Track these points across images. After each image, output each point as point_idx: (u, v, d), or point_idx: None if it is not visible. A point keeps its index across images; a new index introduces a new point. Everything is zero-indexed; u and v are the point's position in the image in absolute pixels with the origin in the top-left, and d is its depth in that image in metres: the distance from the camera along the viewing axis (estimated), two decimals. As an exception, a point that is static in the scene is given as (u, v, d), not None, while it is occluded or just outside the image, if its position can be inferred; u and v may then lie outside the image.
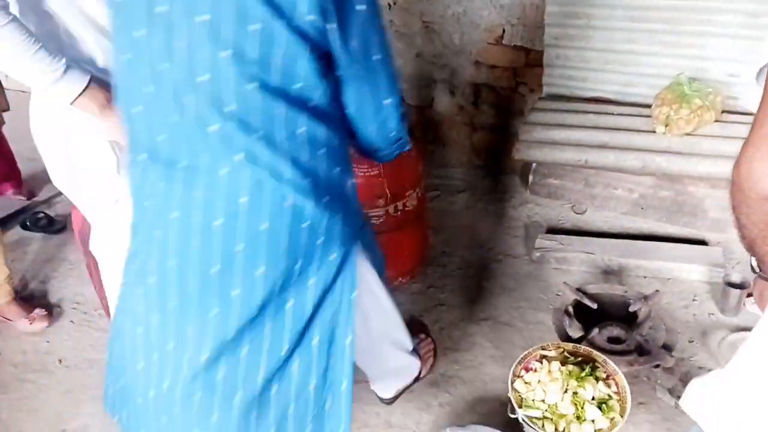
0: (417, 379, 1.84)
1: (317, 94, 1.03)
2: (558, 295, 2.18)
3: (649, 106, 2.44)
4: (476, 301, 2.22)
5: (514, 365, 1.63)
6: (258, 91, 0.97)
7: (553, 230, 2.51)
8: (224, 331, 1.10)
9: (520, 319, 2.12)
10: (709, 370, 1.78)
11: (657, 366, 1.82)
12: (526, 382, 1.60)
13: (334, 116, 1.09)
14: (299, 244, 1.09)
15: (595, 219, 2.55)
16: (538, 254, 2.34)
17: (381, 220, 2.09)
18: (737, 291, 1.98)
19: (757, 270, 0.96)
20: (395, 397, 1.82)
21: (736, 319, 2.01)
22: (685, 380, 1.81)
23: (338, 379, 1.24)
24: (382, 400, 1.82)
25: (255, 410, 1.17)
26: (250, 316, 1.10)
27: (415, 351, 1.78)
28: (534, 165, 2.64)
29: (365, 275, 1.40)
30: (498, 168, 2.96)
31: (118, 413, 1.32)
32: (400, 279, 2.30)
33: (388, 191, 2.06)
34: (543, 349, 1.67)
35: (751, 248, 0.89)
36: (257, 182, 1.01)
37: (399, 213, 2.11)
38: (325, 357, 1.21)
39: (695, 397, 0.85)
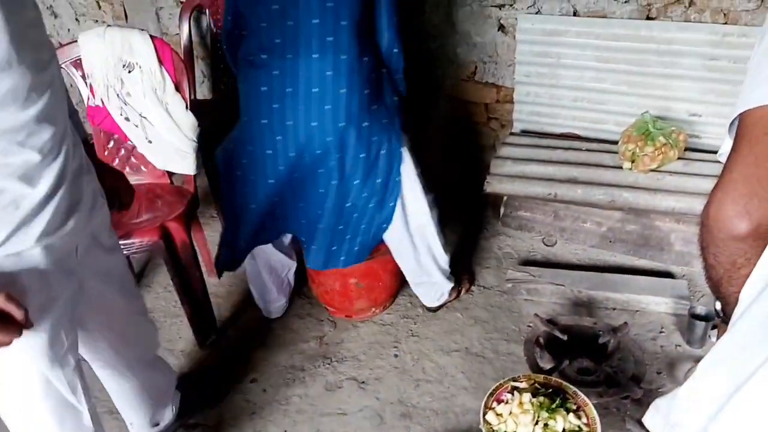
0: (456, 297, 2.35)
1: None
2: (529, 326, 2.20)
3: (615, 142, 2.52)
4: (448, 332, 2.23)
5: (485, 397, 1.64)
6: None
7: (525, 262, 2.55)
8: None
9: (492, 350, 2.14)
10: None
11: (626, 397, 1.84)
12: (497, 414, 1.60)
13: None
14: (363, 107, 1.79)
15: (564, 251, 2.60)
16: (509, 285, 2.37)
17: None
18: (702, 323, 2.03)
19: (721, 313, 0.99)
20: (440, 307, 2.32)
21: (702, 351, 2.06)
22: (653, 411, 1.84)
23: (388, 204, 1.96)
24: (428, 308, 2.32)
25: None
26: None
27: (457, 275, 2.29)
28: (505, 198, 2.69)
29: (410, 170, 1.96)
30: (470, 200, 3.00)
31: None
32: (373, 309, 2.31)
33: None
34: (514, 380, 1.68)
35: (716, 289, 0.92)
36: (335, 62, 1.71)
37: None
38: (381, 192, 1.94)
39: (655, 415, 0.88)
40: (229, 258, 2.12)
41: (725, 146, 0.92)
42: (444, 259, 2.19)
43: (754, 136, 0.79)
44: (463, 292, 2.37)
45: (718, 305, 0.98)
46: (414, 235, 2.08)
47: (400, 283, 2.36)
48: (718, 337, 1.06)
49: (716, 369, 0.78)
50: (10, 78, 0.91)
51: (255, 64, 1.79)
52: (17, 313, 0.95)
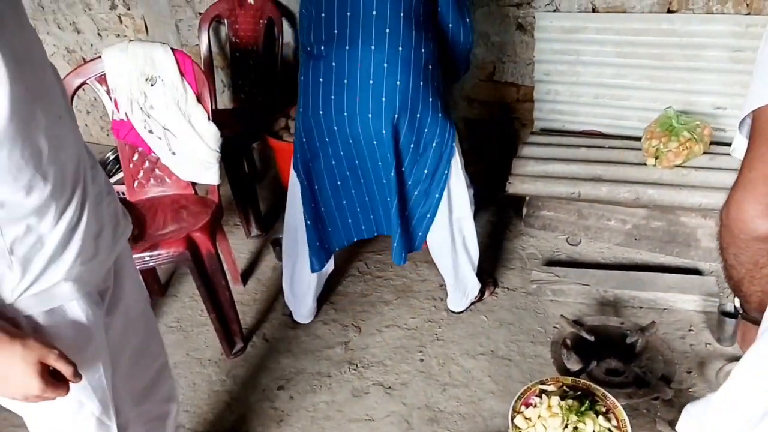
0: (480, 299, 2.36)
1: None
2: (555, 327, 2.19)
3: (639, 138, 2.49)
4: (474, 335, 2.22)
5: (513, 401, 1.63)
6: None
7: (549, 262, 2.53)
8: None
9: (519, 353, 2.12)
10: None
11: (656, 398, 1.82)
12: (526, 418, 1.59)
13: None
14: (417, 99, 1.83)
15: (589, 250, 2.57)
16: (534, 286, 2.35)
17: None
18: (733, 320, 1.99)
19: (741, 311, 0.98)
20: (464, 310, 2.34)
21: (732, 349, 2.02)
22: (684, 412, 1.82)
23: (433, 194, 2.00)
24: (452, 312, 2.33)
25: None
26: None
27: (481, 278, 2.30)
28: (527, 198, 2.67)
29: (457, 164, 2.00)
30: (492, 201, 2.98)
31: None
32: None
33: None
34: (542, 383, 1.67)
35: (737, 288, 0.91)
36: (392, 54, 1.76)
37: None
38: (428, 181, 1.97)
39: (689, 421, 0.87)
40: (320, 260, 2.17)
41: (736, 142, 0.91)
42: (476, 256, 2.23)
43: None
44: (487, 294, 2.37)
45: (738, 302, 0.97)
46: (454, 230, 2.12)
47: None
48: (737, 333, 1.04)
49: (753, 375, 0.77)
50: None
51: (313, 54, 1.84)
52: (67, 371, 0.95)
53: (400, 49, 1.76)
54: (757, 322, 0.95)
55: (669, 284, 2.25)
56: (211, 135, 2.22)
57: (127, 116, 2.20)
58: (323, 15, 1.78)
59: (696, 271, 2.37)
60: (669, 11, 2.35)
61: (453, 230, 2.12)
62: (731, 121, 2.41)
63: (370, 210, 2.11)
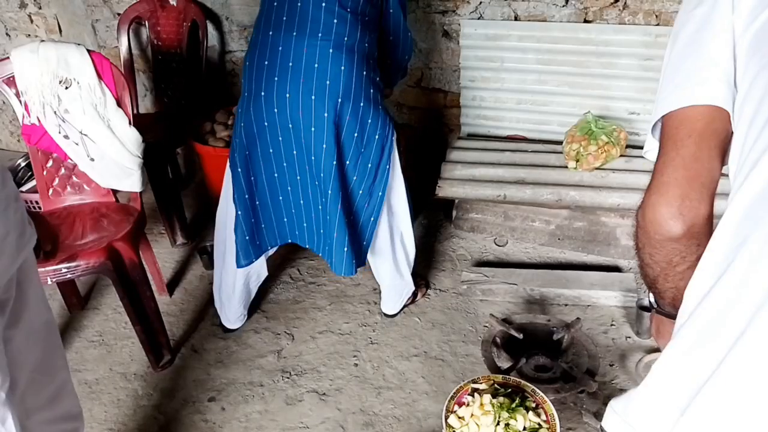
0: (413, 301, 2.37)
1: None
2: (485, 326, 2.23)
3: (560, 142, 2.59)
4: (407, 337, 2.24)
5: (447, 400, 1.65)
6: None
7: (478, 263, 2.58)
8: None
9: (451, 353, 2.16)
10: (629, 392, 1.88)
11: (582, 391, 1.89)
12: (459, 417, 1.61)
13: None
14: (359, 86, 1.85)
15: (515, 251, 2.65)
16: (464, 287, 2.40)
17: None
18: (649, 314, 2.10)
19: (655, 306, 1.02)
20: (398, 313, 2.34)
21: (650, 341, 2.13)
22: (608, 403, 1.89)
23: (376, 192, 1.99)
24: (386, 315, 2.34)
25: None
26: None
27: (414, 280, 2.31)
28: (456, 201, 2.72)
29: (397, 161, 2.03)
30: (423, 205, 3.02)
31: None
32: None
33: None
34: (474, 382, 1.70)
35: (652, 285, 0.95)
36: (337, 42, 1.80)
37: None
38: (371, 177, 1.97)
39: (614, 417, 0.90)
40: (248, 255, 2.07)
41: (648, 145, 0.95)
42: (413, 256, 2.24)
43: (678, 139, 0.82)
44: (419, 296, 2.39)
45: (652, 298, 1.02)
46: (394, 230, 2.13)
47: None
48: (651, 326, 1.09)
49: (672, 370, 0.80)
50: None
51: (261, 41, 1.87)
52: None
53: (346, 38, 1.81)
54: (670, 316, 1.00)
55: (591, 282, 2.34)
56: (132, 140, 2.13)
57: (39, 120, 2.08)
58: (275, 4, 1.85)
59: (616, 269, 2.48)
60: (585, 21, 2.47)
61: (393, 231, 2.13)
62: (644, 125, 2.55)
63: (304, 215, 2.05)
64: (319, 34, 1.80)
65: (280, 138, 1.91)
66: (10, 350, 1.10)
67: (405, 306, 2.35)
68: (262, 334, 2.30)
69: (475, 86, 2.71)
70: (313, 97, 1.82)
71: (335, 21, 1.80)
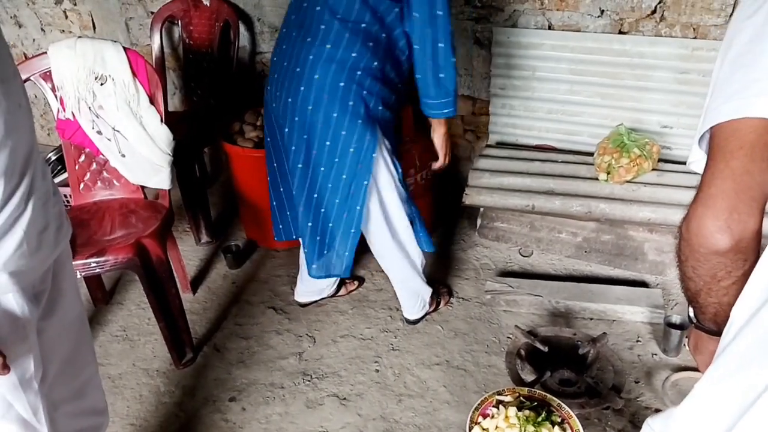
0: (436, 309, 2.36)
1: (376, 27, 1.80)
2: (509, 337, 2.21)
3: (590, 153, 2.56)
4: (429, 345, 2.22)
5: (471, 411, 1.63)
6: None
7: (502, 273, 2.56)
8: None
9: (473, 363, 2.13)
10: (656, 410, 1.84)
11: (607, 408, 1.86)
12: (483, 429, 1.60)
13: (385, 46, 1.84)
14: (334, 99, 1.82)
15: (541, 262, 2.62)
16: (488, 297, 2.38)
17: (412, 188, 2.50)
18: (678, 332, 2.06)
19: (695, 320, 1.00)
20: (420, 319, 2.33)
21: (678, 359, 2.09)
22: (633, 421, 1.86)
23: (354, 207, 1.94)
24: (408, 321, 2.32)
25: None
26: None
27: (435, 288, 2.33)
28: (482, 209, 2.70)
29: (387, 176, 1.97)
30: (447, 211, 3.01)
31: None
32: None
33: (417, 162, 2.52)
34: (499, 394, 1.68)
35: (693, 299, 0.93)
36: (320, 50, 1.80)
37: (423, 181, 2.60)
38: (346, 189, 1.93)
39: None
40: (278, 233, 2.23)
41: (693, 155, 0.93)
42: (420, 260, 2.21)
43: (728, 151, 0.80)
44: (442, 304, 2.37)
45: (692, 312, 0.99)
46: (394, 236, 2.10)
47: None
48: (688, 343, 1.07)
49: (716, 391, 0.78)
50: None
51: (279, 36, 1.98)
52: None
53: (328, 46, 1.79)
54: (710, 332, 0.98)
55: (618, 296, 2.31)
56: (163, 138, 2.15)
57: (73, 115, 2.11)
58: (292, 0, 1.94)
59: (643, 284, 2.44)
60: (621, 32, 2.44)
61: (393, 235, 2.10)
62: (677, 139, 2.51)
63: (290, 214, 2.15)
64: (308, 39, 1.82)
65: (270, 134, 2.06)
66: (43, 341, 1.11)
67: (427, 313, 2.33)
68: (283, 336, 2.30)
69: (505, 94, 2.69)
70: (289, 100, 1.88)
71: (322, 27, 1.80)
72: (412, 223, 2.11)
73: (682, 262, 0.90)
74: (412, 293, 2.26)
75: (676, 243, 0.91)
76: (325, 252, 2.06)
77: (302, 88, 1.84)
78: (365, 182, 1.91)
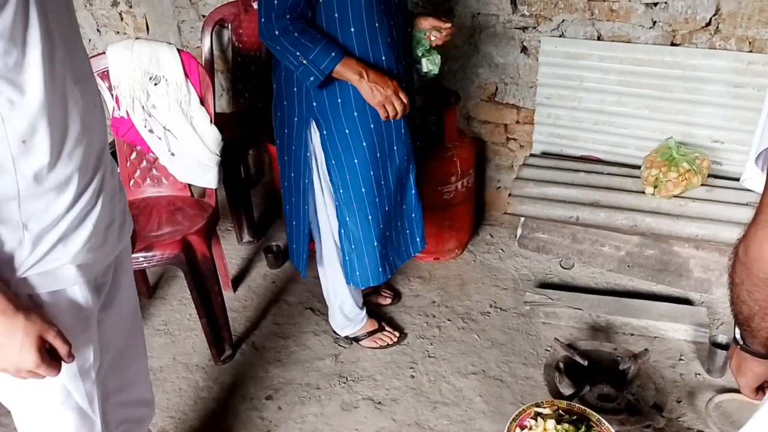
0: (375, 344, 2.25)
1: None
2: (548, 350, 2.18)
3: (636, 166, 2.51)
4: (465, 354, 2.21)
5: (509, 422, 1.62)
6: None
7: (542, 284, 2.53)
8: None
9: (510, 374, 2.11)
10: (698, 432, 1.79)
11: (648, 426, 1.82)
12: (520, 440, 1.58)
13: None
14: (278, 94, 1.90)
15: (582, 275, 2.58)
16: (527, 308, 2.35)
17: (452, 195, 2.56)
18: (723, 352, 2.01)
19: (741, 342, 0.97)
20: (347, 338, 2.27)
21: (722, 380, 2.03)
22: (675, 442, 1.82)
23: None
24: (334, 332, 2.28)
25: None
26: None
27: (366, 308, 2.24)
28: (523, 219, 2.67)
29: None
30: (486, 219, 2.99)
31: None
32: (456, 251, 2.72)
33: (459, 169, 2.52)
34: (537, 406, 1.66)
35: (746, 322, 0.90)
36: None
37: (464, 189, 2.60)
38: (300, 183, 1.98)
39: None
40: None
41: (748, 172, 0.90)
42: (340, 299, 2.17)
43: None
44: (378, 343, 2.26)
45: (738, 333, 0.97)
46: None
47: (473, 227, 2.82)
48: (731, 363, 1.04)
49: None
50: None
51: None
52: (63, 349, 0.97)
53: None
54: (758, 355, 0.95)
55: (661, 313, 2.26)
56: (212, 138, 2.19)
57: (128, 114, 2.18)
58: None
59: (687, 301, 2.39)
60: (673, 44, 2.39)
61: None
62: (729, 155, 2.45)
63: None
64: None
65: None
66: (100, 332, 1.15)
67: (357, 340, 2.26)
68: (321, 337, 2.32)
69: (551, 104, 2.66)
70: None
71: None
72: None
73: (736, 284, 0.88)
74: (336, 305, 2.20)
75: (729, 264, 0.88)
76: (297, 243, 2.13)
77: (274, 86, 1.95)
78: (307, 181, 1.97)
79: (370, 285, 2.05)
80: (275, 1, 1.62)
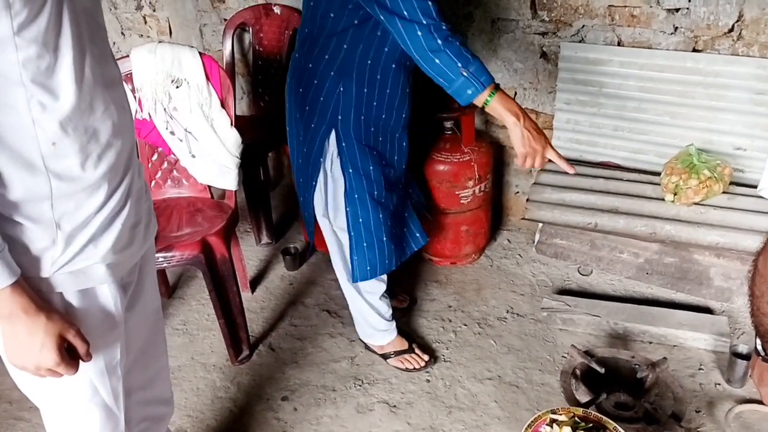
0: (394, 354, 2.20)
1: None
2: (564, 356, 2.17)
3: (656, 173, 2.49)
4: (481, 359, 2.21)
5: (524, 428, 1.61)
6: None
7: (560, 291, 2.52)
8: None
9: (526, 380, 2.11)
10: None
11: (665, 436, 1.80)
12: (535, 446, 1.57)
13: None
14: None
15: (600, 281, 2.56)
16: (544, 314, 2.34)
17: (470, 199, 2.56)
18: (744, 362, 1.97)
19: (762, 353, 0.96)
20: (367, 347, 2.25)
21: (742, 391, 2.00)
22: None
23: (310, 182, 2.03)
24: (361, 341, 2.27)
25: None
26: None
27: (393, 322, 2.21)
28: (541, 224, 2.66)
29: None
30: (503, 225, 2.99)
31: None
32: (473, 255, 2.74)
33: (477, 173, 2.52)
34: (553, 413, 1.65)
35: (767, 333, 0.90)
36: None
37: (481, 193, 2.59)
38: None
39: None
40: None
41: (764, 182, 0.89)
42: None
43: None
44: (407, 365, 2.21)
45: (760, 345, 0.96)
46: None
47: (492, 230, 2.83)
48: (752, 374, 1.03)
49: None
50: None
51: None
52: (81, 348, 1.00)
53: (296, 55, 1.91)
54: None
55: (680, 321, 2.23)
56: (232, 140, 2.22)
57: (149, 116, 2.21)
58: None
59: (707, 310, 2.36)
60: (695, 50, 2.37)
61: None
62: (751, 162, 2.41)
63: None
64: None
65: None
66: (125, 331, 1.18)
67: (385, 358, 2.21)
68: (336, 339, 2.33)
69: (570, 109, 2.65)
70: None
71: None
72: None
73: (756, 297, 0.87)
74: (357, 313, 2.19)
75: (749, 276, 0.88)
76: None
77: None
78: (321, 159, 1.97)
79: (376, 275, 2.02)
80: (432, 11, 1.55)
